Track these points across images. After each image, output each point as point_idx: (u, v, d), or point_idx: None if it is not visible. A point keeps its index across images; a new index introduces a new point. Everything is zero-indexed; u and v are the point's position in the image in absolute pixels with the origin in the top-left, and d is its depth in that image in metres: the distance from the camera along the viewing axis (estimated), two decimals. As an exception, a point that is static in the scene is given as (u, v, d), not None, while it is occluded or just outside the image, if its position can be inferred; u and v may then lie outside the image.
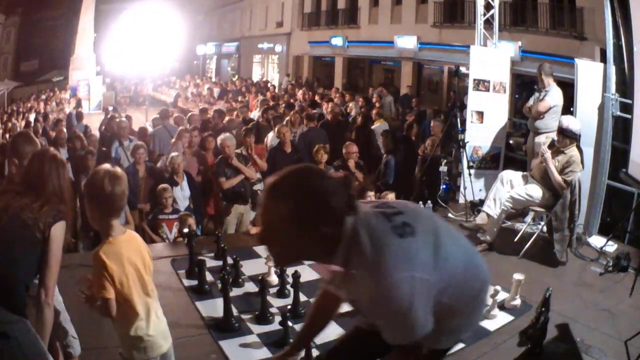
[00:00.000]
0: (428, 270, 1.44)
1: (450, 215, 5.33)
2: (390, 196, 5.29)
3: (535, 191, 4.50)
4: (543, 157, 4.48)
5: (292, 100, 12.03)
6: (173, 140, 6.61)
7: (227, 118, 8.29)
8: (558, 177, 4.37)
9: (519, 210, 4.80)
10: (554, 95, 5.37)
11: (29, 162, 2.29)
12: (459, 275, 1.56)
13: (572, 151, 4.42)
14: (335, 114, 8.50)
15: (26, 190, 2.16)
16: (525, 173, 4.81)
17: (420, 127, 8.08)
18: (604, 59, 5.36)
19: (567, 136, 4.40)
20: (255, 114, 9.68)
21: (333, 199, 1.40)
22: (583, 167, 4.51)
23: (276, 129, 6.53)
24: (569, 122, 4.49)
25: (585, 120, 5.11)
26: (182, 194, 5.28)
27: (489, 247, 4.46)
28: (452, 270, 1.53)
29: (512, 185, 4.65)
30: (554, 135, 4.81)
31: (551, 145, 4.59)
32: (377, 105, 10.87)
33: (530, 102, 5.66)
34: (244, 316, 3.08)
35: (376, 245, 1.42)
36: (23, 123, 13.17)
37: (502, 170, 5.64)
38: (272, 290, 3.35)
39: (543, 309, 3.05)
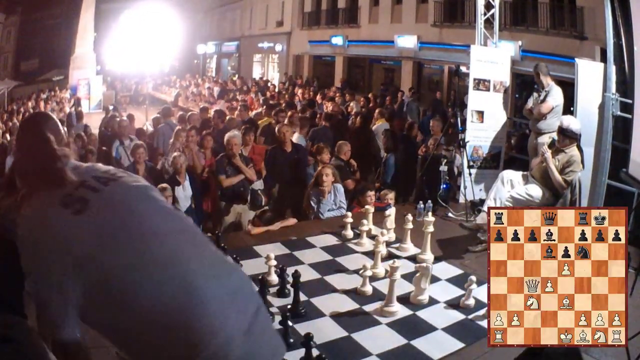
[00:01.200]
0: (65, 258, 1.33)
1: (450, 214, 5.33)
2: (390, 195, 5.30)
3: (536, 191, 4.50)
4: (543, 156, 4.48)
5: (294, 99, 12.07)
6: (171, 140, 6.62)
7: (227, 117, 8.29)
8: (558, 177, 4.38)
9: (519, 210, 4.79)
10: (555, 95, 5.37)
11: None
12: (147, 299, 1.34)
13: (573, 151, 4.43)
14: (335, 113, 8.51)
15: (7, 184, 2.13)
16: (525, 173, 4.81)
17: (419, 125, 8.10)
18: (604, 58, 5.36)
19: (568, 136, 4.41)
20: (256, 113, 9.68)
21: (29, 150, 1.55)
22: (583, 167, 4.52)
23: (277, 128, 6.54)
24: (569, 121, 4.50)
25: (585, 120, 5.11)
26: (183, 194, 5.29)
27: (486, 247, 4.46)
28: (131, 288, 1.33)
29: (513, 185, 4.65)
30: (555, 135, 4.80)
31: (551, 145, 4.60)
32: (372, 104, 10.83)
33: (530, 103, 5.66)
34: (244, 316, 3.07)
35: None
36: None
37: (503, 170, 5.65)
38: (272, 290, 3.35)
39: (543, 309, 3.04)
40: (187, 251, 1.44)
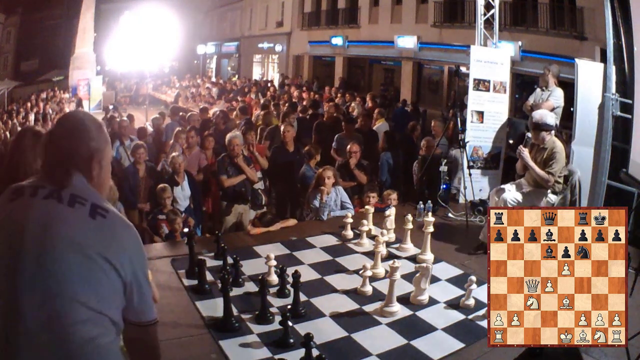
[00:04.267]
0: None
1: (450, 215, 5.33)
2: (393, 196, 5.31)
3: (534, 195, 4.48)
4: (520, 156, 4.43)
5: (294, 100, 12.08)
6: (171, 141, 6.63)
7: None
8: (539, 171, 4.30)
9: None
10: (557, 97, 5.43)
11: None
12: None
13: (552, 143, 4.31)
14: (330, 114, 8.52)
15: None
16: (518, 181, 4.74)
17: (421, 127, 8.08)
18: (604, 58, 5.36)
19: (542, 129, 4.32)
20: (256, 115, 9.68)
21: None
22: (568, 156, 4.46)
23: (282, 127, 6.55)
24: (541, 115, 4.39)
25: (585, 120, 5.12)
26: (182, 194, 5.29)
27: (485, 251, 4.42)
28: None
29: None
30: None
31: (531, 146, 4.50)
32: (370, 105, 10.78)
33: (531, 100, 5.67)
34: (244, 316, 3.07)
35: None
36: (24, 122, 13.16)
37: (504, 170, 5.66)
38: (272, 290, 3.35)
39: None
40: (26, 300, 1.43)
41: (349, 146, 6.00)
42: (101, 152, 1.61)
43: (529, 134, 4.54)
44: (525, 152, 4.41)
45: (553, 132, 4.38)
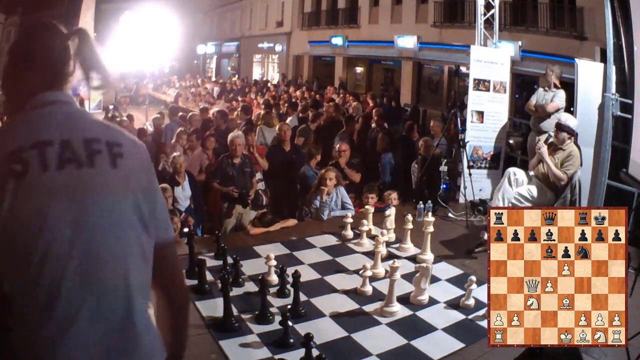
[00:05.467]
0: None
1: (450, 214, 5.33)
2: (394, 195, 5.31)
3: (537, 191, 4.51)
4: (539, 151, 4.51)
5: (292, 100, 12.07)
6: (173, 141, 6.64)
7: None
8: (556, 170, 4.39)
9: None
10: (562, 97, 5.49)
11: None
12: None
13: (571, 147, 4.46)
14: (329, 114, 8.52)
15: None
16: (530, 172, 4.83)
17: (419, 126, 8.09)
18: (604, 58, 5.37)
19: (565, 131, 4.43)
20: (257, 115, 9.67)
21: None
22: (581, 164, 4.53)
23: (277, 127, 6.57)
24: (567, 118, 4.57)
25: (585, 120, 5.12)
26: (183, 194, 5.29)
27: (485, 249, 4.45)
28: None
29: (519, 184, 4.67)
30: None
31: (550, 144, 4.61)
32: (371, 104, 10.78)
33: (533, 100, 5.69)
34: (244, 316, 3.07)
35: None
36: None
37: (504, 170, 5.64)
38: (272, 290, 3.35)
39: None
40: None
41: (337, 146, 6.01)
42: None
43: (552, 133, 4.63)
44: (544, 148, 4.49)
45: (573, 138, 4.47)
